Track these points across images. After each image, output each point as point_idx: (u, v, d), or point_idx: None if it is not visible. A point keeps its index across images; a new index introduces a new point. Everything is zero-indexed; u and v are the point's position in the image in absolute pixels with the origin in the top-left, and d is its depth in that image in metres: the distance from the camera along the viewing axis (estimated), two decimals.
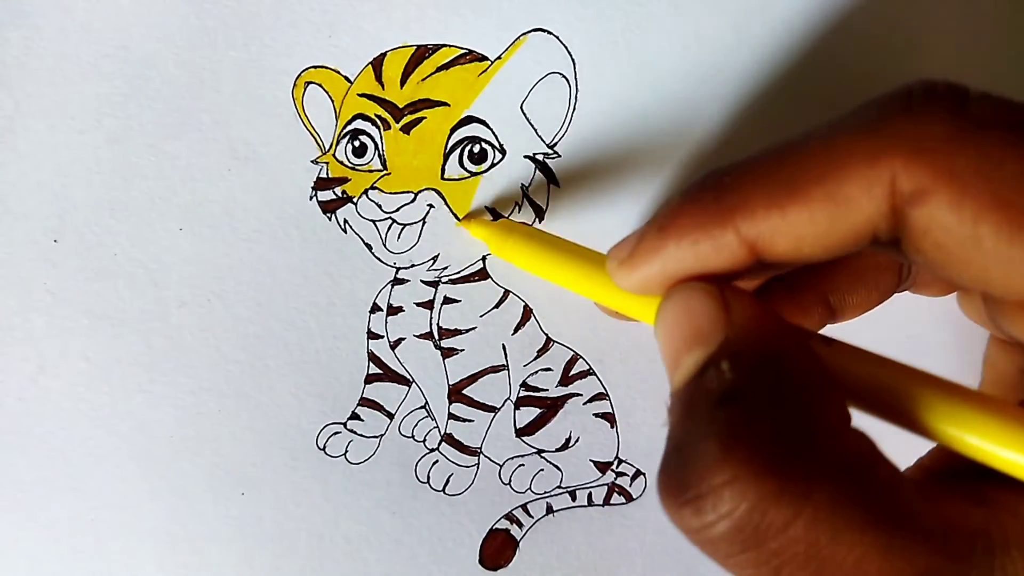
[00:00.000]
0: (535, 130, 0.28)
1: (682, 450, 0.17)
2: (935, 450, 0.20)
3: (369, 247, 0.29)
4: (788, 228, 0.17)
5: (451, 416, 0.30)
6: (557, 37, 0.28)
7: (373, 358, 0.29)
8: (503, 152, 0.29)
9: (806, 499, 0.16)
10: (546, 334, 0.30)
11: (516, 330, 0.30)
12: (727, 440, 0.16)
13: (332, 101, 0.28)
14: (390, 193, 0.29)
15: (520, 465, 0.30)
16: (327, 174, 0.28)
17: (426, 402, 0.30)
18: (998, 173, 0.16)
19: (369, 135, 0.28)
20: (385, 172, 0.28)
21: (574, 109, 0.28)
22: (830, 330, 0.24)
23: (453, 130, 0.28)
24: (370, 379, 0.30)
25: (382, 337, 0.29)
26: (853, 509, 0.16)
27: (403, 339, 0.29)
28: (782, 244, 0.18)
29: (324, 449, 0.30)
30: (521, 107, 0.28)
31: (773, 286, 0.25)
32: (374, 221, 0.29)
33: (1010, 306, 0.20)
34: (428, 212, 0.29)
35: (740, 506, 0.16)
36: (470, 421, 0.30)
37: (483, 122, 0.28)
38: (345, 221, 0.29)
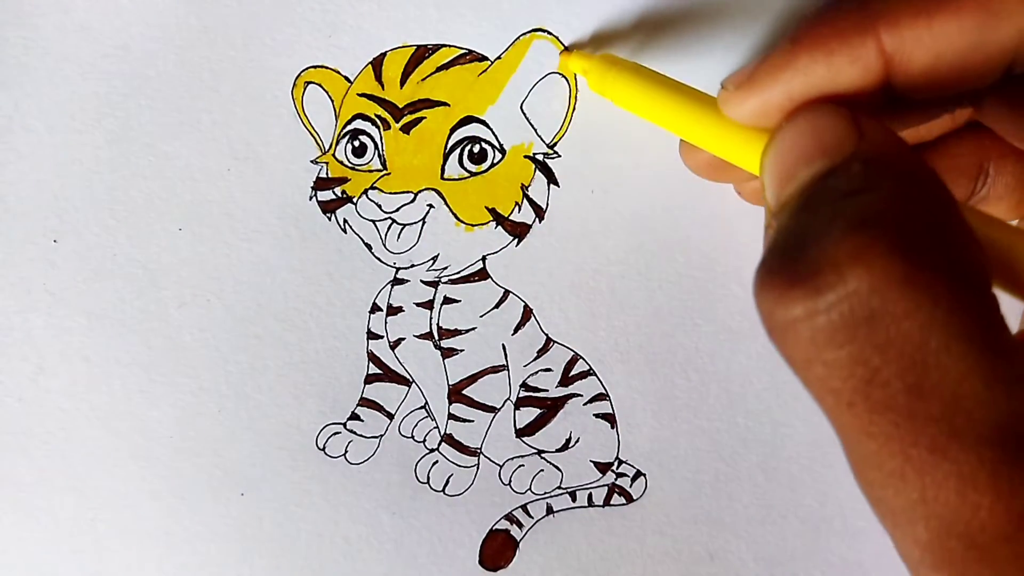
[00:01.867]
0: (535, 130, 0.28)
1: (798, 234, 0.16)
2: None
3: (369, 247, 0.29)
4: (932, 39, 0.17)
5: (451, 416, 0.30)
6: (557, 37, 0.28)
7: (373, 358, 0.29)
8: (503, 152, 0.28)
9: (929, 291, 0.14)
10: (546, 334, 0.30)
11: (516, 330, 0.30)
12: (855, 220, 0.15)
13: (332, 101, 0.28)
14: (390, 193, 0.28)
15: (520, 466, 0.30)
16: (327, 174, 0.28)
17: (426, 402, 0.30)
18: None
19: (369, 135, 0.28)
20: (385, 172, 0.28)
21: (574, 109, 0.28)
22: None
23: (453, 130, 0.28)
24: (370, 379, 0.30)
25: (382, 337, 0.29)
26: (970, 320, 0.15)
27: (403, 339, 0.29)
28: (921, 58, 0.17)
29: (324, 449, 0.30)
30: (521, 107, 0.28)
31: None
32: (374, 221, 0.29)
33: None
34: (428, 212, 0.29)
35: (862, 284, 0.15)
36: (470, 421, 0.30)
37: (483, 122, 0.28)
38: (345, 221, 0.29)
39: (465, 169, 0.28)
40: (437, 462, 0.30)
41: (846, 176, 0.16)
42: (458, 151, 0.28)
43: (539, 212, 0.29)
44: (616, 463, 0.31)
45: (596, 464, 0.31)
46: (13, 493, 0.29)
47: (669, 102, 0.22)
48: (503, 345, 0.30)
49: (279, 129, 0.28)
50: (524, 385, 0.30)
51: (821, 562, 0.31)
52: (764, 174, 0.18)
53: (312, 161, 0.28)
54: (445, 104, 0.28)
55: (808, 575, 0.31)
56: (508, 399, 0.30)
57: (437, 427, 0.30)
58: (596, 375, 0.30)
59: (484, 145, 0.28)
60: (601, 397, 0.30)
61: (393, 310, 0.29)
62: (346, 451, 0.30)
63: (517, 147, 0.28)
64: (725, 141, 0.20)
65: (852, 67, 0.17)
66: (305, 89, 0.28)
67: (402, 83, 0.28)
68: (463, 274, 0.29)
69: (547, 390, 0.30)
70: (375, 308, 0.29)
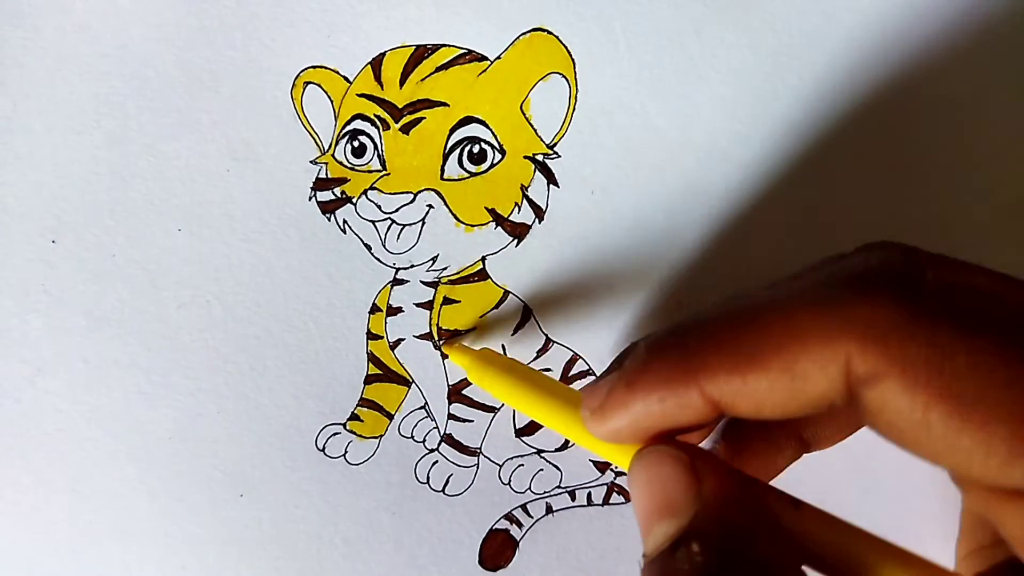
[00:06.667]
0: (535, 130, 0.28)
1: None
2: None
3: (368, 248, 0.29)
4: (749, 392, 0.18)
5: (451, 416, 0.30)
6: (557, 37, 0.28)
7: (373, 359, 0.29)
8: (503, 152, 0.28)
9: None
10: (546, 334, 0.30)
11: (516, 330, 0.30)
12: None
13: (331, 101, 0.28)
14: (389, 193, 0.28)
15: (520, 465, 0.30)
16: (326, 174, 0.28)
17: (426, 402, 0.30)
18: (949, 365, 0.16)
19: (368, 135, 0.28)
20: (384, 172, 0.28)
21: (574, 109, 0.28)
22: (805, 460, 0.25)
23: (452, 130, 0.28)
24: (370, 379, 0.29)
25: (382, 338, 0.29)
26: None
27: (403, 339, 0.29)
28: (743, 405, 0.18)
29: (323, 450, 0.30)
30: (521, 107, 0.28)
31: (747, 423, 0.25)
32: (373, 221, 0.29)
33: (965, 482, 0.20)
34: (427, 212, 0.29)
35: None
36: (470, 421, 0.30)
37: (483, 122, 0.28)
38: (344, 221, 0.29)
39: (465, 169, 0.28)
40: (437, 462, 0.30)
41: (688, 557, 0.17)
42: (458, 151, 0.28)
43: (539, 212, 0.29)
44: None
45: (595, 463, 0.31)
46: (11, 494, 0.29)
47: (540, 401, 0.24)
48: (503, 345, 0.30)
49: (279, 129, 0.28)
50: None
51: None
52: (633, 509, 0.20)
53: (311, 161, 0.28)
54: (445, 104, 0.28)
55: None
56: None
57: (437, 427, 0.30)
58: (595, 375, 0.30)
59: (484, 145, 0.28)
60: None
61: (393, 310, 0.29)
62: (345, 452, 0.30)
63: (517, 147, 0.29)
64: (592, 442, 0.22)
65: (684, 410, 0.19)
66: (304, 89, 0.28)
67: (401, 83, 0.28)
68: (463, 274, 0.29)
69: None
70: (375, 308, 0.29)
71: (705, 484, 0.18)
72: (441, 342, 0.29)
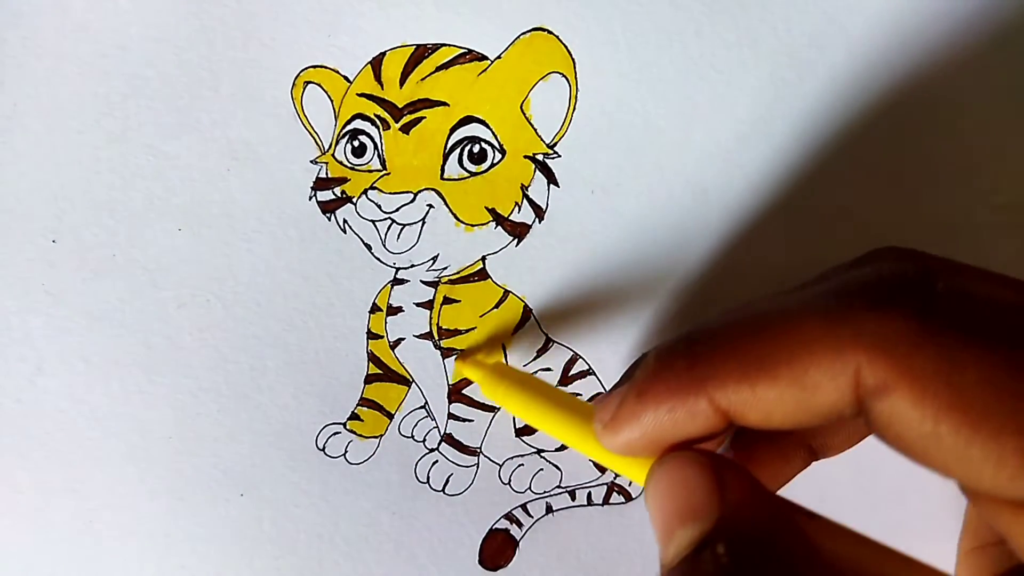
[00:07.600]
0: (535, 130, 0.28)
1: None
2: None
3: (369, 247, 0.29)
4: (758, 402, 0.18)
5: (451, 416, 0.30)
6: (557, 37, 0.28)
7: (373, 358, 0.29)
8: (503, 152, 0.28)
9: None
10: (546, 334, 0.30)
11: (516, 330, 0.30)
12: None
13: (331, 101, 0.28)
14: (389, 193, 0.28)
15: (520, 465, 0.30)
16: (326, 174, 0.28)
17: (426, 402, 0.30)
18: (959, 376, 0.16)
19: (368, 135, 0.28)
20: (384, 172, 0.28)
21: (574, 109, 0.28)
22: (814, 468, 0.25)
23: (453, 130, 0.28)
24: (370, 379, 0.30)
25: (382, 337, 0.29)
26: None
27: (403, 339, 0.29)
28: (753, 415, 0.18)
29: (324, 449, 0.30)
30: (521, 107, 0.28)
31: (755, 432, 0.25)
32: (373, 221, 0.29)
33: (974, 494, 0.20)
34: (428, 212, 0.29)
35: None
36: (470, 421, 0.30)
37: (483, 122, 0.28)
38: (344, 221, 0.29)
39: (465, 169, 0.28)
40: (437, 462, 0.30)
41: (713, 559, 0.17)
42: (458, 151, 0.28)
43: (539, 212, 0.29)
44: None
45: (595, 463, 0.31)
46: (11, 494, 0.29)
47: (554, 415, 0.24)
48: (503, 345, 0.30)
49: (279, 129, 0.28)
50: None
51: None
52: (650, 517, 0.20)
53: (312, 161, 0.28)
54: (445, 104, 0.28)
55: None
56: None
57: (437, 427, 0.30)
58: (595, 374, 0.30)
59: (484, 145, 0.28)
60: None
61: (393, 310, 0.29)
62: (346, 451, 0.30)
63: (517, 147, 0.29)
64: (607, 456, 0.22)
65: (694, 420, 0.19)
66: (304, 89, 0.28)
67: (402, 83, 0.28)
68: (463, 274, 0.29)
69: None
70: (375, 308, 0.29)
71: (728, 488, 0.18)
72: (454, 358, 0.29)
